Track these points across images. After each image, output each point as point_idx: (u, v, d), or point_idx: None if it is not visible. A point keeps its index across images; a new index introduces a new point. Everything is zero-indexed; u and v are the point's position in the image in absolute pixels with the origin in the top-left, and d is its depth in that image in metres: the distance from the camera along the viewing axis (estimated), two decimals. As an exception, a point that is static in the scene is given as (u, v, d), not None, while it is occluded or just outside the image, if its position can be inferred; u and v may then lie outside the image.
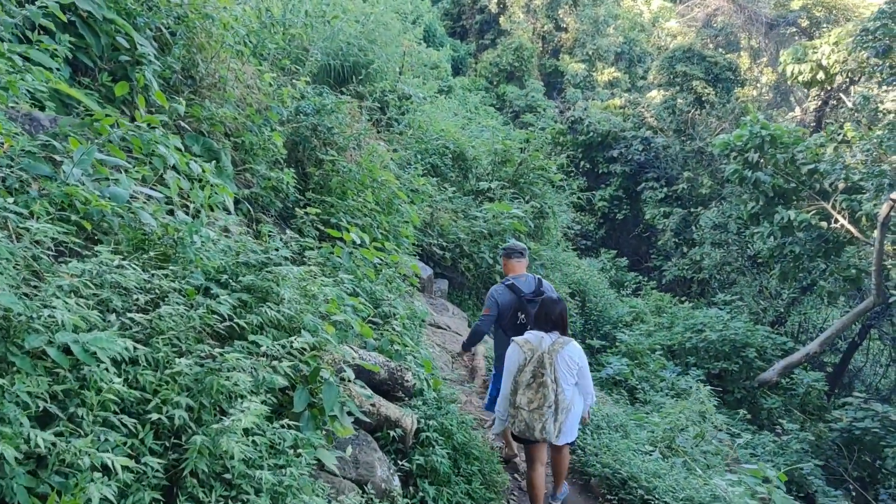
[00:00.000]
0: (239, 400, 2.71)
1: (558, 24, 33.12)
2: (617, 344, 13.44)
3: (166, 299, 2.89)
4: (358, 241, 5.51)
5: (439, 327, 8.12)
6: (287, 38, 9.64)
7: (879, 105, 14.22)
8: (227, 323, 3.00)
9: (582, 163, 25.00)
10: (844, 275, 15.40)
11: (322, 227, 6.26)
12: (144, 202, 3.54)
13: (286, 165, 6.94)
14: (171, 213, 3.77)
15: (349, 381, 3.59)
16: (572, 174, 22.65)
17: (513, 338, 4.84)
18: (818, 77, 16.28)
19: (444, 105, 18.28)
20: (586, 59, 32.26)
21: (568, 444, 4.98)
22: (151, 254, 3.23)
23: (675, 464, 5.91)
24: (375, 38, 11.74)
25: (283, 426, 2.92)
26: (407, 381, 4.44)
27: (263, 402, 2.89)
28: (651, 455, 5.96)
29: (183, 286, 3.03)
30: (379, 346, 4.59)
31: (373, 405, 3.99)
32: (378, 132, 10.53)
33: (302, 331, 3.30)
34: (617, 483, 5.50)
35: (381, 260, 6.07)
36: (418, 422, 4.33)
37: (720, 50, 24.12)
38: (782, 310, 19.67)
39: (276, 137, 6.59)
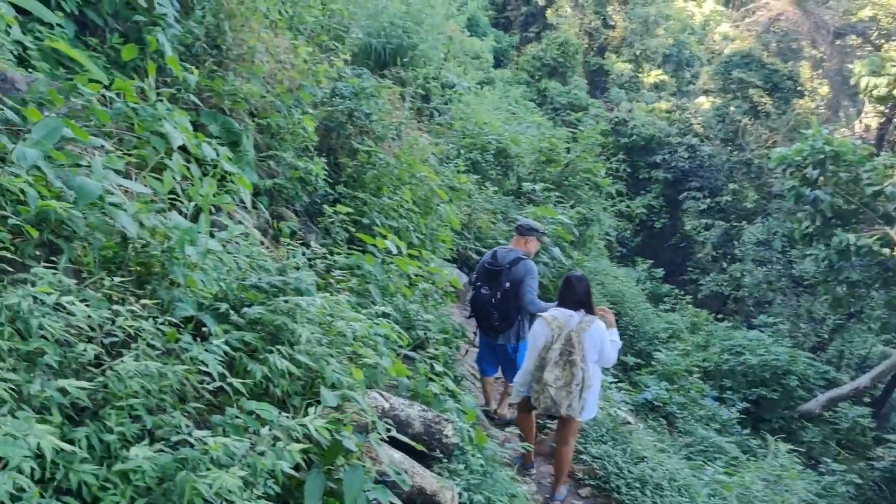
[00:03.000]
0: None
1: (606, 22, 32.00)
2: (653, 363, 12.51)
3: (134, 345, 2.03)
4: (394, 251, 4.66)
5: (474, 346, 7.19)
6: (327, 12, 8.79)
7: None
8: (218, 383, 2.15)
9: (623, 166, 24.04)
10: (902, 306, 14.40)
11: (352, 229, 5.44)
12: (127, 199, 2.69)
13: (317, 154, 6.10)
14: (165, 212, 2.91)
15: (379, 445, 2.72)
16: (615, 179, 21.78)
17: (540, 314, 4.95)
18: (894, 92, 15.22)
19: (487, 97, 17.37)
20: (633, 59, 31.09)
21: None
22: (120, 276, 2.36)
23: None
24: (422, 19, 10.84)
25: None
26: (447, 436, 3.52)
27: (265, 497, 2.06)
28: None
29: (158, 324, 2.16)
30: (414, 389, 3.69)
31: (404, 471, 3.12)
32: (420, 122, 9.64)
33: (322, 388, 2.45)
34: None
35: (419, 271, 5.22)
36: (460, 495, 3.42)
37: (777, 58, 22.93)
38: (826, 336, 18.72)
39: (307, 121, 5.75)
